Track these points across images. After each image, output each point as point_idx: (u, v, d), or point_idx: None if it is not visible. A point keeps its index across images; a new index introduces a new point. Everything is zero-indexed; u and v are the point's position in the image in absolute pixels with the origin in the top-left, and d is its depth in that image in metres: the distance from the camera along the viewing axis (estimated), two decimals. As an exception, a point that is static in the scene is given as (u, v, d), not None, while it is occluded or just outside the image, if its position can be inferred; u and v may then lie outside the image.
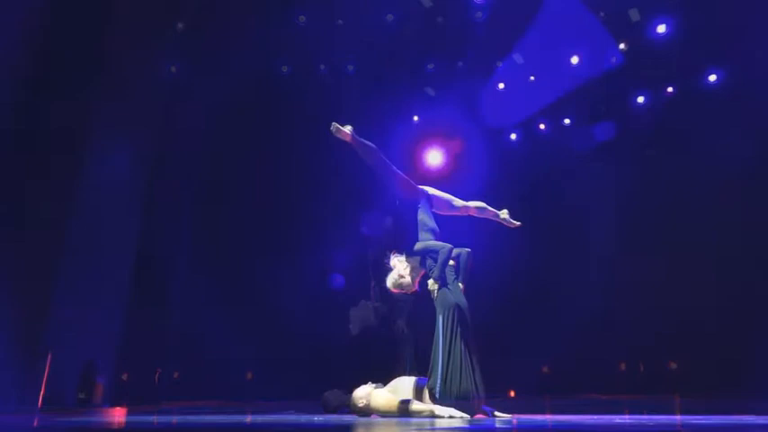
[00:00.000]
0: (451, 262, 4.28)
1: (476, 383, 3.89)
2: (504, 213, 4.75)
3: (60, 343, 5.37)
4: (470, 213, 4.77)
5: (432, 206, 4.57)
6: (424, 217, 4.44)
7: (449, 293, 4.11)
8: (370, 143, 4.53)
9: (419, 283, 4.40)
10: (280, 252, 8.29)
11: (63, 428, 2.93)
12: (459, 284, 4.23)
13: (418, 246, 4.28)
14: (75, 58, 5.89)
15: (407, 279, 4.36)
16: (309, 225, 8.47)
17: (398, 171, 4.56)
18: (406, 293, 4.45)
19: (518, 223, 4.76)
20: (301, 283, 8.14)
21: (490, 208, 4.76)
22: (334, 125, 4.49)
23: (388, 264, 4.44)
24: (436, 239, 4.33)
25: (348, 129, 4.47)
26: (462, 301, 4.13)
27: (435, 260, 4.16)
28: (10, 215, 5.26)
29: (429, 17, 7.42)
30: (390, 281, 4.42)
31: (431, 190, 4.65)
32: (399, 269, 4.38)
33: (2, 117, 5.31)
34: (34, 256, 5.40)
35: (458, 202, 4.70)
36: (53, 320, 5.48)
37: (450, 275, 4.24)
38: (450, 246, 4.19)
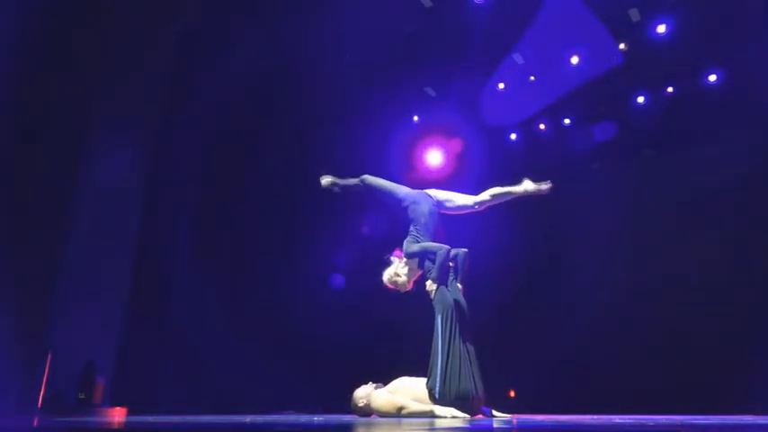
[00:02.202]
0: (449, 263, 4.30)
1: (475, 383, 3.90)
2: (526, 185, 4.51)
3: (60, 343, 5.37)
4: (488, 206, 4.57)
5: (441, 209, 4.58)
6: (422, 218, 4.45)
7: (447, 293, 4.13)
8: (355, 184, 4.72)
9: (414, 283, 4.45)
10: (281, 252, 8.30)
11: (63, 428, 2.93)
12: (458, 285, 4.24)
13: (415, 247, 4.31)
14: (73, 57, 5.88)
15: (403, 278, 4.42)
16: (310, 225, 8.47)
17: (393, 190, 4.63)
18: (399, 291, 4.48)
19: (547, 185, 4.51)
20: (302, 283, 8.15)
21: (505, 188, 4.54)
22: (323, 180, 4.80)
23: (389, 259, 4.50)
24: (437, 241, 4.35)
25: (328, 180, 4.78)
26: (461, 300, 4.15)
27: (433, 261, 4.18)
28: (9, 215, 5.26)
29: (429, 17, 7.41)
30: (386, 276, 4.48)
31: (433, 191, 4.65)
32: (397, 266, 4.43)
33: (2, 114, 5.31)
34: (34, 256, 5.40)
35: (468, 199, 4.57)
36: (53, 320, 5.48)
37: (448, 276, 4.26)
38: (447, 247, 4.21)
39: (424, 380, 3.99)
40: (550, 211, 8.13)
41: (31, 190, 5.51)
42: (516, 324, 8.03)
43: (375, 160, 7.70)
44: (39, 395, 4.99)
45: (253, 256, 8.11)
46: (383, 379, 4.24)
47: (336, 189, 4.80)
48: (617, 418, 3.96)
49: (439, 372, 3.88)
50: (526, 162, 8.59)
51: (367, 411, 4.06)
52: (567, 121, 8.59)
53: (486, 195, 4.55)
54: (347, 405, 4.22)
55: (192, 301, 7.03)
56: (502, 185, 4.57)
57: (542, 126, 8.75)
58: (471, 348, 4.02)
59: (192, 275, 7.14)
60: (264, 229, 8.26)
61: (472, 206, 4.56)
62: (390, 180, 4.77)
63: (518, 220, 7.56)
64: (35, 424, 3.27)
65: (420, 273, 4.41)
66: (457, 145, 8.86)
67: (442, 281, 4.17)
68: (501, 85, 8.37)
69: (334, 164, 7.95)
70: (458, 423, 3.30)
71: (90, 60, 6.06)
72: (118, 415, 5.23)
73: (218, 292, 7.27)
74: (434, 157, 8.97)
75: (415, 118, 9.03)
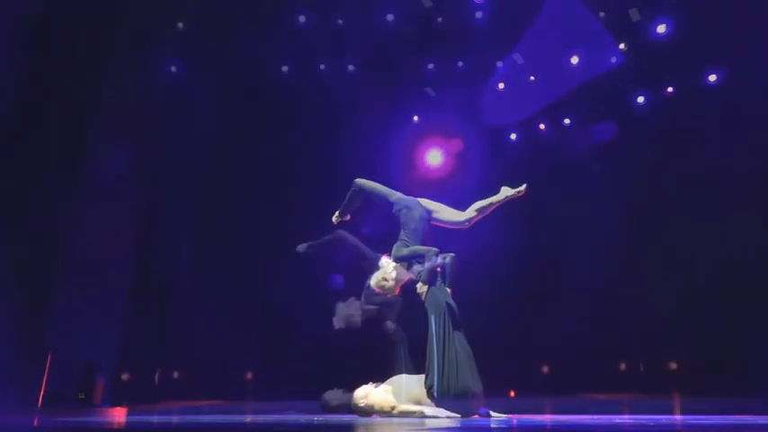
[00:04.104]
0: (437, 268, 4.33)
1: (473, 382, 3.90)
2: (505, 192, 4.57)
3: (60, 343, 5.37)
4: (476, 221, 4.61)
5: (430, 218, 4.60)
6: (413, 224, 4.49)
7: (438, 294, 4.16)
8: (352, 191, 4.94)
9: (402, 288, 4.48)
10: (281, 252, 8.27)
11: (63, 428, 2.93)
12: (447, 288, 4.26)
13: (404, 251, 4.35)
14: (73, 57, 5.89)
15: (391, 282, 4.44)
16: (310, 225, 8.46)
17: (386, 194, 4.76)
18: (386, 295, 4.51)
19: (524, 187, 4.55)
20: (302, 283, 8.13)
21: (486, 200, 4.58)
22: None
23: (378, 262, 4.56)
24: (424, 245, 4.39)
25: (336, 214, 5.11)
26: (451, 303, 4.17)
27: (422, 264, 4.22)
28: (10, 215, 5.26)
29: (429, 17, 7.41)
30: (374, 280, 4.51)
31: (424, 201, 4.68)
32: (386, 270, 4.45)
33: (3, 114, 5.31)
34: (34, 256, 5.40)
35: (458, 215, 4.61)
36: (53, 320, 5.48)
37: (437, 278, 4.29)
38: (436, 249, 4.27)
39: (419, 377, 4.01)
40: (550, 212, 8.12)
41: (32, 190, 5.51)
42: (516, 324, 8.02)
43: (375, 161, 7.70)
44: (39, 395, 4.99)
45: (253, 256, 8.10)
46: (383, 379, 4.24)
47: (347, 215, 5.07)
48: (617, 418, 3.96)
49: (436, 370, 3.89)
50: (526, 162, 8.58)
51: (367, 411, 4.07)
52: (567, 121, 8.59)
53: (472, 212, 4.60)
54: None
55: (192, 301, 7.03)
56: (483, 198, 4.63)
57: (542, 126, 8.74)
58: (467, 347, 4.03)
59: (192, 275, 7.14)
60: (264, 229, 8.25)
61: (462, 223, 4.61)
62: (391, 180, 4.81)
63: (518, 220, 7.54)
64: (35, 424, 3.27)
65: (408, 277, 4.43)
66: (457, 145, 8.85)
67: (431, 282, 4.20)
68: (501, 85, 8.36)
69: (335, 164, 8.02)
70: (453, 423, 3.30)
71: (90, 60, 6.06)
72: (118, 415, 5.23)
73: (218, 291, 7.27)
74: (434, 158, 8.96)
75: (415, 118, 9.02)
